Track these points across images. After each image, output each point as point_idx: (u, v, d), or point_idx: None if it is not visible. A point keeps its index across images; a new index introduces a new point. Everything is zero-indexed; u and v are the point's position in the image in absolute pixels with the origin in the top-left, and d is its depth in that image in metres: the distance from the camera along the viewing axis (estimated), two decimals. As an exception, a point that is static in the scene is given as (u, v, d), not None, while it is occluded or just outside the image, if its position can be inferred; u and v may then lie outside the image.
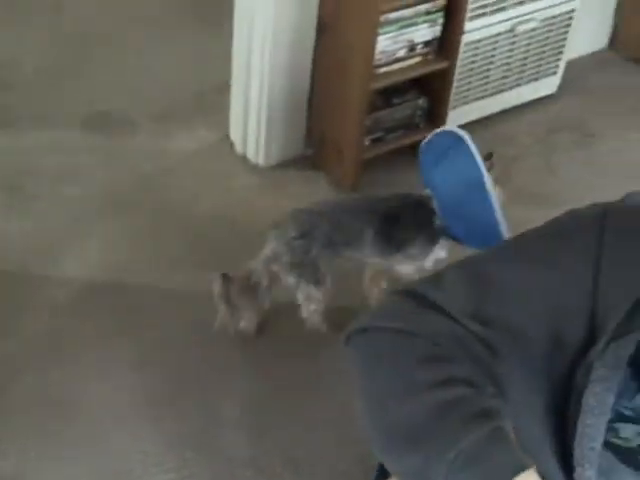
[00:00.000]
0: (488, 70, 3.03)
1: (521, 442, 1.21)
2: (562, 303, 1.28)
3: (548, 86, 3.23)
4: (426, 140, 2.37)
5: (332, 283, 2.41)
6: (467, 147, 2.26)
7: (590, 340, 1.27)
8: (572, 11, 3.06)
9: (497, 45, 2.98)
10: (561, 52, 3.16)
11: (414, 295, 1.32)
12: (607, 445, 1.33)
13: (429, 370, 1.24)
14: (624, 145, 3.13)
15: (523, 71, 3.12)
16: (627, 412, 1.37)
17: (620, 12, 3.43)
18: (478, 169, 2.24)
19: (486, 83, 3.05)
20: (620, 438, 1.38)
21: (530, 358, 1.29)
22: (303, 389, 2.42)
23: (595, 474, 1.30)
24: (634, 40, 3.43)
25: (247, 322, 2.48)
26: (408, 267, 2.46)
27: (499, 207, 2.27)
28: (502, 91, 3.12)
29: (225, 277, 2.40)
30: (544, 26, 3.03)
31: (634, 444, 1.39)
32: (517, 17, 2.95)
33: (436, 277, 1.34)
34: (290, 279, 2.38)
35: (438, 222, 2.36)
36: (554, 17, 3.04)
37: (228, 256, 2.67)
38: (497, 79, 3.07)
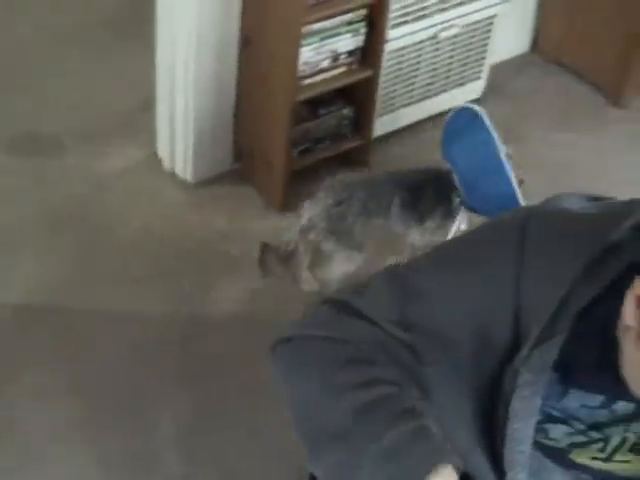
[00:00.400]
0: (413, 77, 3.05)
1: (452, 446, 1.22)
2: (486, 309, 1.29)
3: (473, 91, 3.26)
4: (447, 118, 2.56)
5: (365, 249, 2.51)
6: (483, 122, 2.43)
7: (516, 344, 1.28)
8: (493, 16, 3.09)
9: (421, 52, 3.00)
10: (484, 57, 3.19)
11: (339, 304, 1.33)
12: (537, 446, 1.34)
13: (352, 372, 1.25)
14: (549, 145, 3.17)
15: (448, 77, 3.15)
16: (555, 413, 1.39)
17: (540, 17, 3.48)
18: (493, 141, 2.39)
19: (412, 90, 3.07)
20: (550, 439, 1.39)
21: (456, 363, 1.29)
22: (241, 402, 2.41)
23: (526, 477, 1.32)
24: (554, 43, 3.48)
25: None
26: (425, 241, 2.56)
27: (514, 177, 2.41)
28: (428, 97, 3.14)
29: (265, 246, 2.58)
30: (466, 32, 3.06)
31: (563, 444, 1.41)
32: (439, 24, 2.98)
33: (361, 286, 1.34)
34: (328, 245, 2.50)
35: (457, 195, 2.49)
36: (475, 23, 3.07)
37: (161, 274, 2.67)
38: (423, 85, 3.09)
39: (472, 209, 2.52)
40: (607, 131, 3.26)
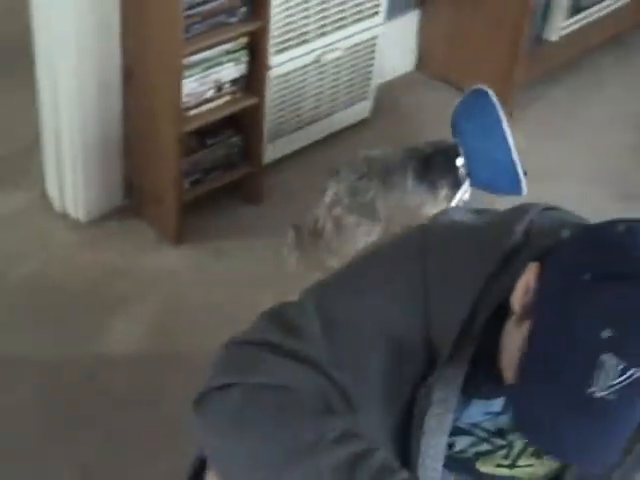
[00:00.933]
0: (300, 102, 3.06)
1: None
2: (399, 328, 1.30)
3: (362, 111, 3.29)
4: (460, 99, 2.78)
5: (385, 221, 2.66)
6: (489, 100, 2.61)
7: (429, 361, 1.29)
8: (375, 37, 3.13)
9: (306, 76, 3.02)
10: (370, 77, 3.23)
11: (261, 344, 1.30)
12: (445, 459, 1.36)
13: (319, 427, 1.22)
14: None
15: (335, 99, 3.17)
16: (460, 424, 1.40)
17: (422, 35, 3.53)
18: (497, 114, 2.58)
19: (299, 115, 3.09)
20: (457, 451, 1.41)
21: (377, 393, 1.30)
22: (145, 439, 2.38)
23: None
24: (438, 60, 3.54)
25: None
26: (434, 210, 2.62)
27: (515, 149, 2.60)
28: (317, 120, 3.16)
29: (296, 228, 2.73)
30: (349, 54, 3.09)
31: (469, 454, 1.43)
32: (322, 48, 3.00)
33: (284, 323, 1.31)
34: (352, 219, 2.64)
35: (463, 167, 2.65)
36: (358, 45, 3.10)
37: (56, 316, 2.62)
38: (310, 109, 3.11)
39: (475, 183, 2.71)
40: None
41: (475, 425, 1.42)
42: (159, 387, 2.49)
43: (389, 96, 3.41)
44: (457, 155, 2.66)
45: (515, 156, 2.57)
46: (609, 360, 1.10)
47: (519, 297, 1.22)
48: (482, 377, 1.29)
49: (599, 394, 1.12)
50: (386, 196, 2.66)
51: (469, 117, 2.65)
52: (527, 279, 1.21)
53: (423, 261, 1.34)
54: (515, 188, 2.64)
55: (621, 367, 1.10)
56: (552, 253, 1.22)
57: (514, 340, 1.23)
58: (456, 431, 1.40)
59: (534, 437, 1.18)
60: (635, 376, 1.11)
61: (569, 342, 1.14)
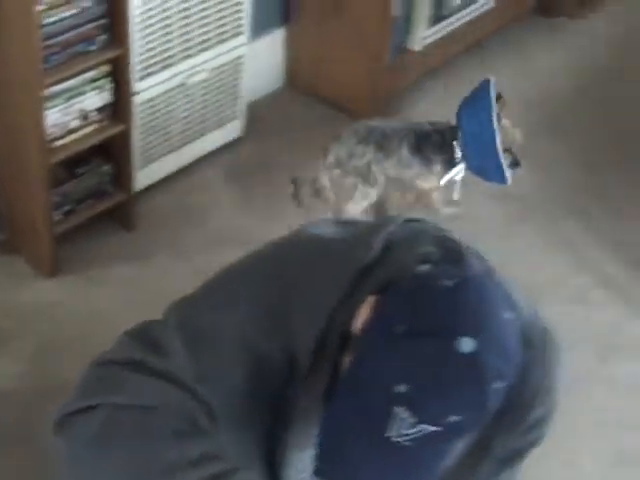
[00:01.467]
0: (169, 126, 3.06)
1: None
2: (258, 347, 1.30)
3: (233, 130, 3.31)
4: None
5: (379, 187, 2.84)
6: (487, 88, 2.71)
7: (292, 375, 1.30)
8: (240, 57, 3.15)
9: (173, 100, 3.02)
10: (239, 97, 3.24)
11: (125, 363, 1.28)
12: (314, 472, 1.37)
13: (181, 448, 1.20)
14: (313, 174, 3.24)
15: (205, 120, 3.18)
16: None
17: (290, 51, 3.57)
18: (489, 103, 2.68)
19: (169, 139, 3.08)
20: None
21: (241, 408, 1.30)
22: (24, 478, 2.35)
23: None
24: (305, 76, 3.59)
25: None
26: (428, 184, 2.88)
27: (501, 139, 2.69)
28: (188, 143, 3.16)
29: (296, 181, 2.92)
30: (215, 75, 3.10)
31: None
32: (187, 70, 3.00)
33: (148, 341, 1.30)
34: (349, 180, 2.80)
35: (459, 149, 2.77)
36: (223, 65, 3.11)
37: None
38: (180, 132, 3.11)
39: (469, 167, 2.81)
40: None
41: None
42: (41, 422, 2.45)
43: (260, 114, 3.43)
44: (455, 137, 2.79)
45: (499, 144, 2.67)
46: (401, 413, 1.12)
47: (356, 326, 1.23)
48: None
49: (395, 439, 1.13)
50: (381, 162, 2.81)
51: (468, 103, 2.77)
52: (363, 312, 1.23)
53: (281, 275, 1.35)
54: (499, 177, 2.75)
55: (413, 421, 1.12)
56: (390, 290, 1.23)
57: (347, 362, 1.24)
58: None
59: (331, 466, 1.19)
60: (426, 431, 1.12)
61: (371, 386, 1.16)
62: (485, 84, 2.74)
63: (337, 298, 1.28)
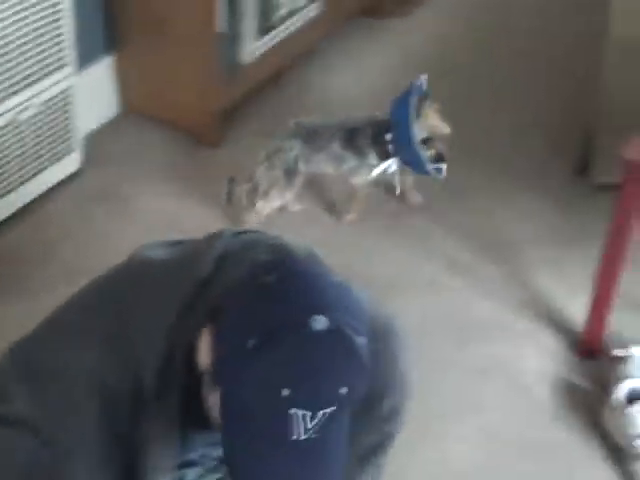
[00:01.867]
0: (4, 165, 2.99)
1: None
2: (101, 377, 1.28)
3: (70, 164, 3.25)
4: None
5: (300, 185, 2.97)
6: (412, 85, 2.80)
7: (142, 400, 1.29)
8: (68, 89, 3.10)
9: (4, 139, 2.96)
10: (73, 129, 3.19)
11: None
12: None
13: None
14: (157, 199, 3.23)
15: (40, 157, 3.11)
16: (191, 456, 1.41)
17: (121, 79, 3.53)
18: (409, 98, 2.76)
19: (7, 178, 3.01)
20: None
21: (95, 442, 1.28)
22: None
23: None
24: (139, 101, 3.56)
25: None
26: (361, 178, 2.98)
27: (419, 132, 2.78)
28: (25, 181, 3.08)
29: (230, 180, 2.99)
30: (45, 109, 3.05)
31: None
32: (14, 107, 2.94)
33: None
34: (275, 173, 2.88)
35: (390, 143, 2.85)
36: (52, 99, 3.06)
37: None
38: (16, 172, 3.04)
39: (400, 160, 2.89)
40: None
41: (204, 455, 1.44)
42: None
43: (98, 144, 3.39)
44: (388, 130, 2.85)
45: (415, 138, 2.74)
46: (297, 412, 1.16)
47: (203, 361, 1.24)
48: (195, 409, 1.30)
49: (303, 438, 1.17)
50: (309, 157, 2.90)
51: (397, 99, 2.84)
52: (203, 346, 1.24)
53: (117, 301, 1.35)
54: (423, 170, 2.82)
55: (310, 413, 1.16)
56: (223, 312, 1.24)
57: (213, 395, 1.25)
58: (186, 464, 1.41)
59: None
60: (326, 415, 1.17)
61: (258, 405, 1.17)
62: (415, 82, 2.82)
63: (175, 314, 1.28)
